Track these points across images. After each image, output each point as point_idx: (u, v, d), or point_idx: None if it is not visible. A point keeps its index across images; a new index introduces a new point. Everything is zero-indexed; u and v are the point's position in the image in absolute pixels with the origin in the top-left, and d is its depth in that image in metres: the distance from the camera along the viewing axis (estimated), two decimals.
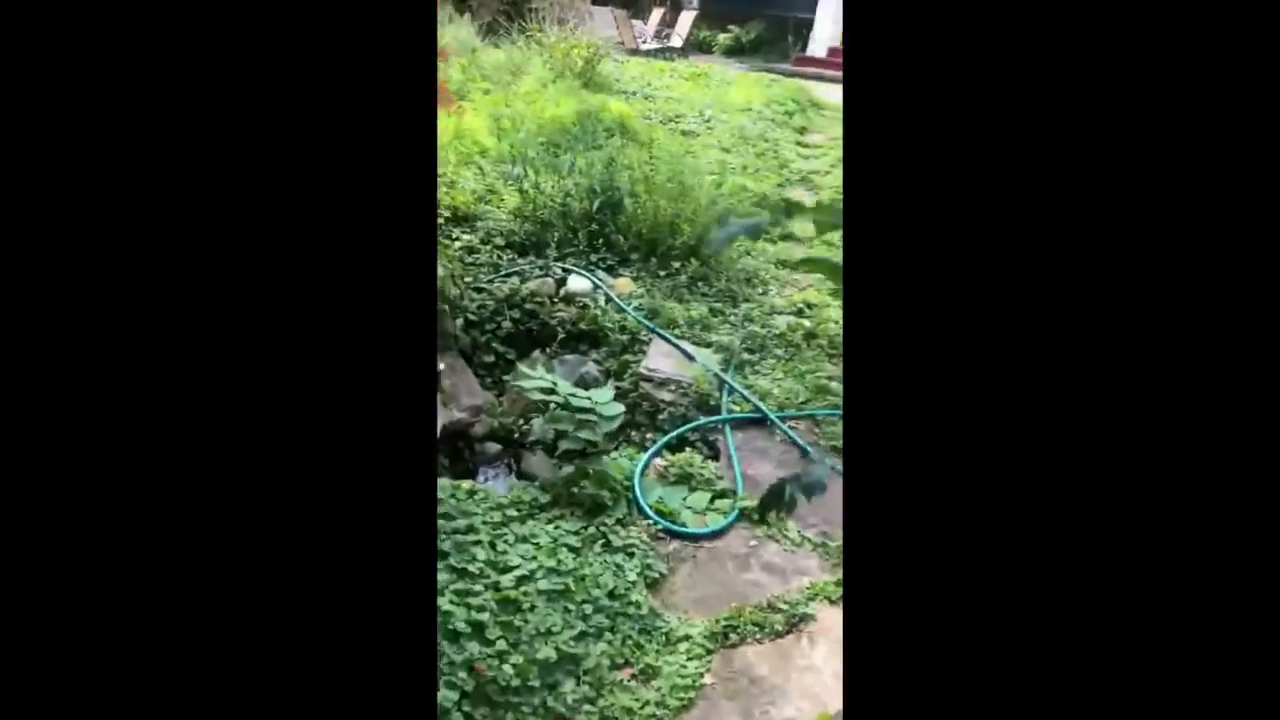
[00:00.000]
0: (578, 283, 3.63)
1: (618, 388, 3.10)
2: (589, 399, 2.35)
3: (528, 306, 3.43)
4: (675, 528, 2.28)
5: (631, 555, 2.13)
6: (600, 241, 3.91)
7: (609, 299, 3.56)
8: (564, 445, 2.29)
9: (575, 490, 2.28)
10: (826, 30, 11.77)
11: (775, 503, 0.79)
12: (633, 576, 2.05)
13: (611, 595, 1.98)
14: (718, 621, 1.99)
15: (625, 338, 3.34)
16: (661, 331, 3.33)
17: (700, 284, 3.74)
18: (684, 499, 2.43)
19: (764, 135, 6.77)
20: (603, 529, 2.19)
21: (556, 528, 2.17)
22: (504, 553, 2.02)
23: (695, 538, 2.28)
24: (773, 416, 2.87)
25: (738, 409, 2.94)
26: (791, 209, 0.81)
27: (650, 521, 2.28)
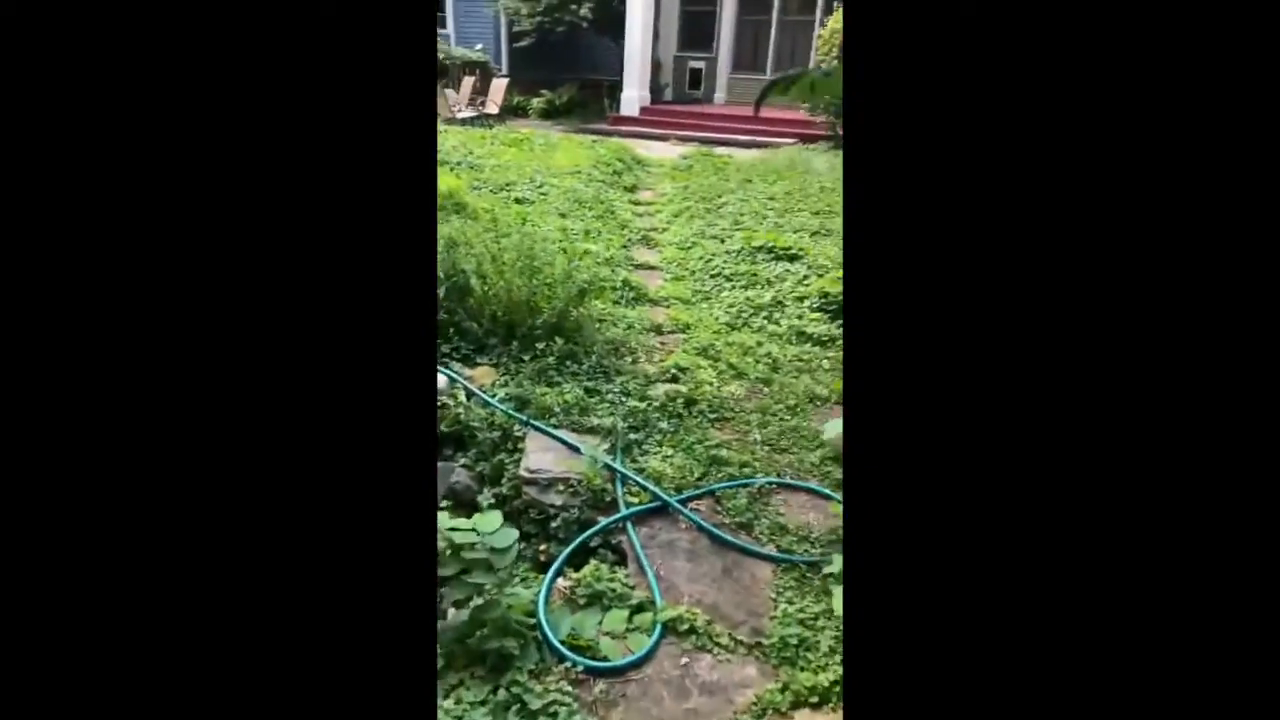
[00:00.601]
0: None
1: (497, 495, 2.74)
2: (473, 529, 1.99)
3: None
4: (597, 664, 1.96)
5: (555, 716, 1.78)
6: (451, 331, 3.54)
7: (470, 393, 3.20)
8: (452, 595, 1.91)
9: (473, 645, 1.89)
10: (635, 90, 12.23)
11: None
12: None
13: None
14: None
15: (495, 434, 2.98)
16: (536, 423, 3.01)
17: (569, 363, 3.47)
18: (599, 623, 2.11)
19: (598, 197, 6.72)
20: (514, 689, 1.82)
21: (458, 701, 1.77)
22: None
23: (621, 671, 1.97)
24: (673, 503, 2.64)
25: (635, 500, 2.68)
26: None
27: (568, 664, 1.94)
